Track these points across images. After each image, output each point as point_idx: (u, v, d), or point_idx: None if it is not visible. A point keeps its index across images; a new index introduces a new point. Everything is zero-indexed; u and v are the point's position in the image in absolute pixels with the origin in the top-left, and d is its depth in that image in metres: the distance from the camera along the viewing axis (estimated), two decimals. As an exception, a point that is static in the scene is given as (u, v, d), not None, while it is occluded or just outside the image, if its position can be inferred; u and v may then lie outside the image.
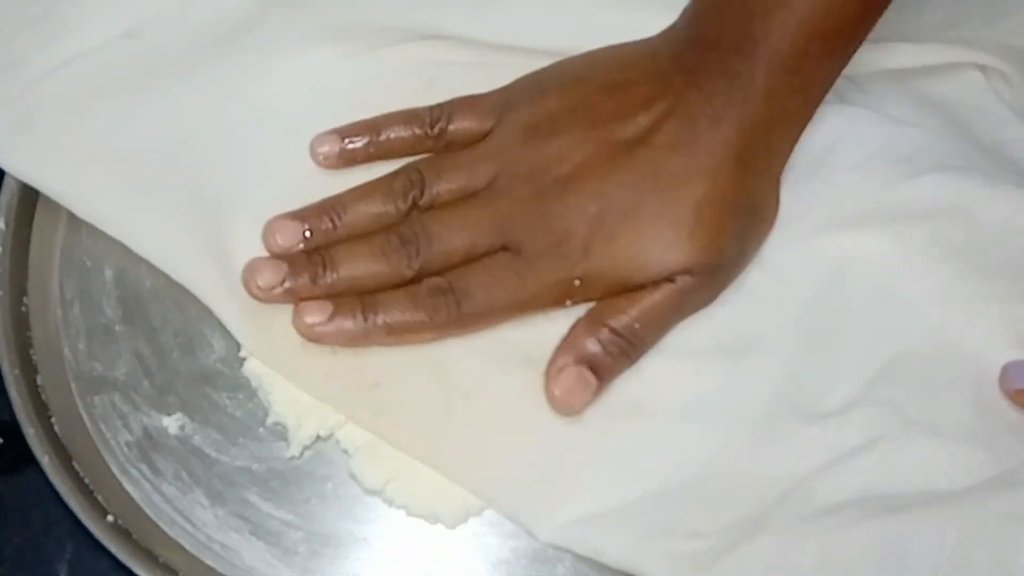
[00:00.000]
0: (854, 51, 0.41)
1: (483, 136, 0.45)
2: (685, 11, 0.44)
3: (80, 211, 0.46)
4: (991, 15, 0.49)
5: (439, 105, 0.45)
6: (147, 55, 0.47)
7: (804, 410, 0.43)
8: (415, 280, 0.43)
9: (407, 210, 0.44)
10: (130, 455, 0.44)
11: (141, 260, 0.45)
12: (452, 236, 0.43)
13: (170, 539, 0.43)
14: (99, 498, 0.42)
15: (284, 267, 0.43)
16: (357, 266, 0.43)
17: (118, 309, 0.46)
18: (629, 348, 0.42)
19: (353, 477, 0.43)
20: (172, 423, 0.44)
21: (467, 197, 0.43)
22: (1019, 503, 0.39)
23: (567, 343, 0.42)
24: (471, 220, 0.43)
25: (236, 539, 0.43)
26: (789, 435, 0.42)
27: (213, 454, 0.44)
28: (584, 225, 0.42)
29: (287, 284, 0.42)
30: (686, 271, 0.41)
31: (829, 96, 0.47)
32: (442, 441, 0.42)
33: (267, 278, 0.42)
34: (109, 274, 0.46)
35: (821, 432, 0.42)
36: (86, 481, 0.43)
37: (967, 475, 0.40)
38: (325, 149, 0.45)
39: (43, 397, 0.44)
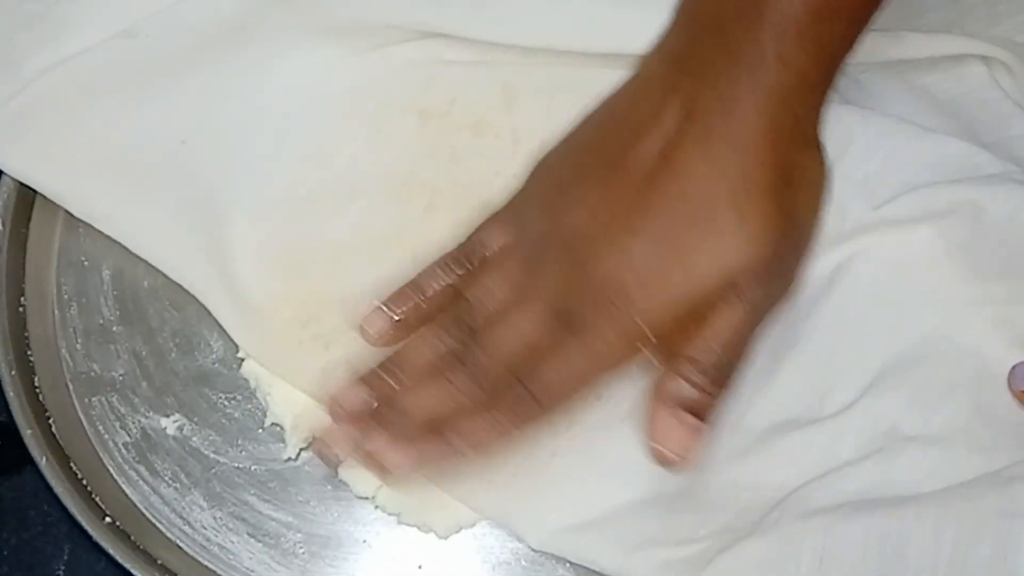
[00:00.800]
0: (871, 15, 0.39)
1: None
2: (674, 12, 0.41)
3: (77, 210, 0.46)
4: (992, 15, 0.49)
5: (468, 241, 0.43)
6: (145, 54, 0.47)
7: (797, 419, 0.42)
8: None
9: (467, 338, 0.41)
10: (128, 456, 0.44)
11: (139, 260, 0.45)
12: (509, 340, 0.40)
13: (168, 540, 0.43)
14: (97, 499, 0.42)
15: (357, 433, 0.40)
16: (434, 407, 0.40)
17: (116, 309, 0.46)
18: (718, 376, 0.39)
19: (345, 484, 0.43)
20: (170, 424, 0.44)
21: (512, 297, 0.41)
22: (1016, 500, 0.39)
23: (656, 395, 0.40)
24: (522, 318, 0.40)
25: (235, 540, 0.42)
26: (782, 445, 0.42)
27: (211, 455, 0.43)
28: (629, 271, 0.39)
29: (367, 447, 0.40)
30: (745, 269, 0.39)
31: (833, 97, 0.47)
32: None
33: (343, 449, 0.40)
34: (107, 274, 0.46)
35: (815, 444, 0.41)
36: (84, 482, 0.43)
37: (965, 476, 0.40)
38: (377, 328, 0.42)
39: (41, 398, 0.44)
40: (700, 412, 0.39)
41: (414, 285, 0.43)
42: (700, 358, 0.39)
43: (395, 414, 0.40)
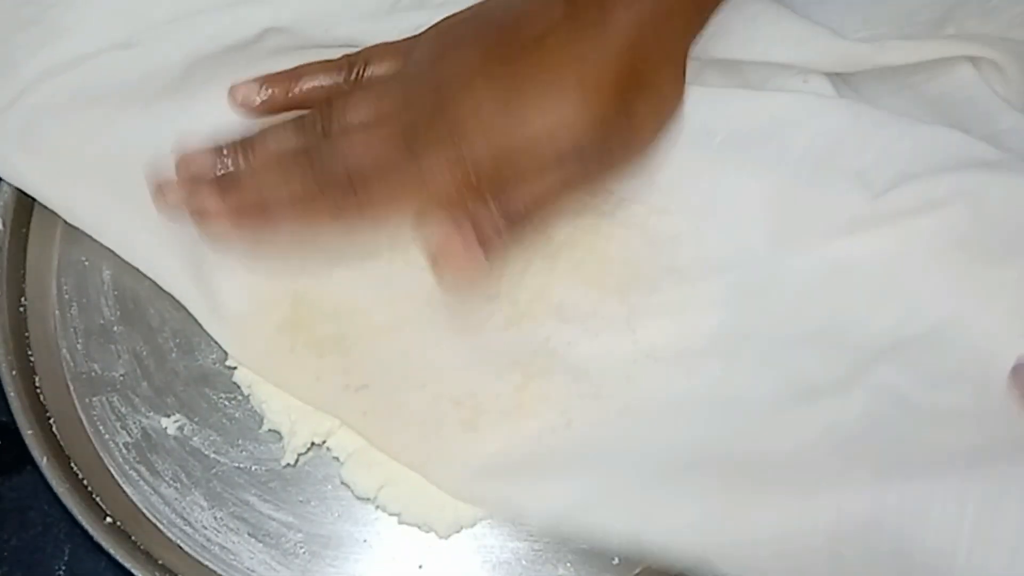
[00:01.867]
0: None
1: None
2: None
3: (70, 217, 0.46)
4: (985, 11, 0.49)
5: (357, 52, 0.46)
6: (140, 65, 0.47)
7: (801, 408, 0.42)
8: None
9: (319, 139, 0.44)
10: (128, 456, 0.44)
11: (139, 261, 0.45)
12: (357, 149, 0.43)
13: (169, 541, 0.43)
14: (97, 499, 0.42)
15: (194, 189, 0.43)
16: (268, 189, 0.43)
17: (116, 310, 0.46)
18: (510, 222, 0.42)
19: (345, 485, 0.43)
20: (171, 424, 0.44)
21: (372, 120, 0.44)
22: None
23: (450, 215, 0.42)
24: (375, 136, 0.43)
25: (235, 541, 0.42)
26: (787, 430, 0.42)
27: (212, 455, 0.44)
28: (474, 115, 0.42)
29: (197, 203, 0.43)
30: (571, 146, 0.42)
31: (828, 90, 0.47)
32: (431, 446, 0.42)
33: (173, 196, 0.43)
34: (107, 275, 0.46)
35: (820, 435, 0.42)
36: (84, 482, 0.43)
37: (982, 447, 0.40)
38: (243, 95, 0.45)
39: (41, 398, 0.44)
40: (484, 240, 0.42)
41: (292, 72, 0.45)
42: (502, 200, 0.42)
43: (232, 184, 0.43)
